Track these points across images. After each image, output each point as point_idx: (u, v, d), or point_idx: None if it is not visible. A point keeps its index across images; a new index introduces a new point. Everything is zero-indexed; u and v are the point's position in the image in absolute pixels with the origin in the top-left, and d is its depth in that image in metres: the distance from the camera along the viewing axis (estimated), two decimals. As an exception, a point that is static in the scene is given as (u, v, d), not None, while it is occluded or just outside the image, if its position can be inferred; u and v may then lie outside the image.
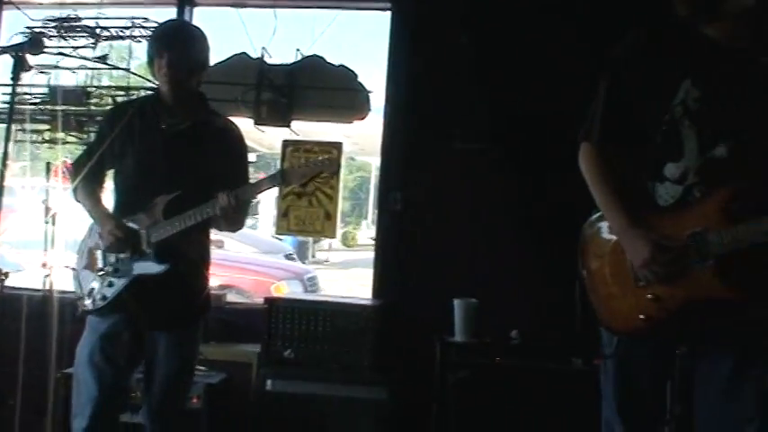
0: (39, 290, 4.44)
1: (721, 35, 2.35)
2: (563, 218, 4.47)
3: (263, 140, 6.78)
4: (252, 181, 3.35)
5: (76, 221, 3.97)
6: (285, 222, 5.07)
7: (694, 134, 2.35)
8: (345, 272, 14.33)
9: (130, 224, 3.25)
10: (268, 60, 5.21)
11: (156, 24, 4.96)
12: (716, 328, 2.34)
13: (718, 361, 2.38)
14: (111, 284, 3.26)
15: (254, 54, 5.21)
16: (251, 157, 4.16)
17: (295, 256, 12.02)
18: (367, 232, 20.88)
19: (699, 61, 2.36)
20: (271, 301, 4.43)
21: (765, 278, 2.03)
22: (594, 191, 2.51)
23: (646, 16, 2.45)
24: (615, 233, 2.44)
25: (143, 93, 4.91)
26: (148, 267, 3.22)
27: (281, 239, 11.51)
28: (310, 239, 14.76)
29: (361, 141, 10.27)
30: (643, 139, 2.43)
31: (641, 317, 2.38)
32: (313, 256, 16.43)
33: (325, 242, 17.08)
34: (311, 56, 5.21)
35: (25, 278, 5.16)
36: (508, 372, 4.20)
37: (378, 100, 5.09)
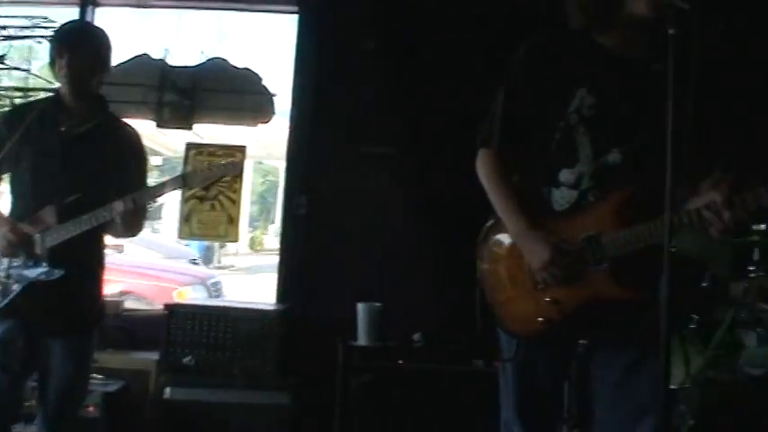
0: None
1: (615, 44, 2.41)
2: (466, 222, 4.56)
3: (169, 144, 6.67)
4: (153, 184, 3.29)
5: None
6: (188, 227, 4.99)
7: (589, 140, 2.39)
8: (252, 277, 14.18)
9: (25, 228, 3.15)
10: (171, 62, 5.13)
11: (57, 24, 4.82)
12: (612, 328, 2.39)
13: (613, 359, 2.43)
14: (4, 290, 3.15)
15: (157, 55, 5.12)
16: (156, 160, 4.09)
17: (199, 260, 11.83)
18: (275, 237, 20.72)
19: (593, 69, 2.41)
20: (171, 308, 4.36)
21: (658, 278, 2.08)
22: (492, 196, 2.53)
23: (544, 25, 2.49)
24: (513, 237, 2.46)
25: (43, 95, 4.76)
26: (42, 273, 3.12)
27: (186, 244, 11.33)
28: (216, 244, 14.57)
29: (270, 145, 10.19)
30: (539, 146, 2.47)
31: (540, 320, 2.41)
32: (219, 261, 16.22)
33: (231, 247, 16.89)
34: (215, 58, 5.15)
35: None
36: (411, 375, 4.23)
37: (285, 104, 5.06)
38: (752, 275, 3.56)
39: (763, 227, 3.65)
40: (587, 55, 2.43)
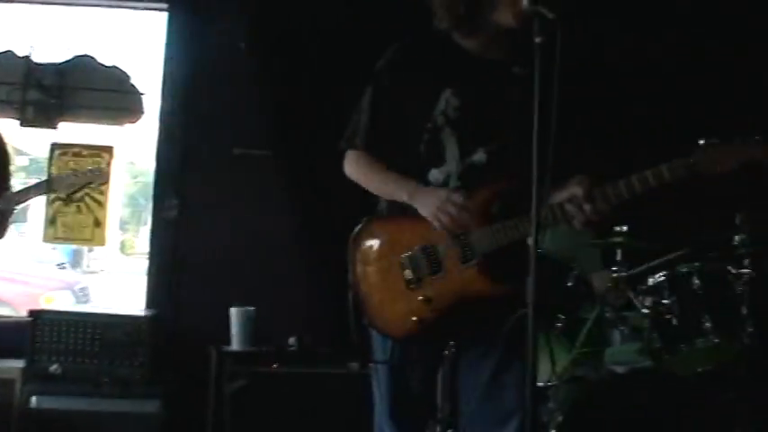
0: None
1: (479, 47, 2.48)
2: (339, 224, 4.57)
3: (36, 143, 6.40)
4: (19, 188, 3.16)
5: None
6: (52, 230, 4.81)
7: (455, 141, 2.45)
8: (123, 281, 13.81)
9: None
10: (36, 59, 4.92)
11: None
12: (482, 328, 2.44)
13: (482, 359, 2.48)
14: None
15: (22, 52, 4.91)
16: (22, 161, 3.93)
17: (67, 265, 11.44)
18: (146, 240, 20.20)
19: (458, 72, 2.47)
20: (35, 314, 4.20)
21: (526, 274, 2.13)
22: (370, 182, 2.56)
23: (411, 27, 2.52)
24: (407, 199, 2.46)
25: None
26: None
27: (54, 248, 10.93)
28: (85, 247, 14.13)
29: (143, 145, 9.95)
30: (408, 147, 2.50)
31: (414, 319, 2.43)
32: (88, 266, 15.72)
33: (101, 250, 16.40)
34: (82, 55, 4.97)
35: None
36: (285, 379, 4.20)
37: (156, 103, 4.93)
38: (615, 275, 3.69)
39: (625, 228, 3.78)
40: (452, 57, 2.49)
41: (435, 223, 2.40)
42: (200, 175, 4.77)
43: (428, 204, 2.40)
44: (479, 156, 2.45)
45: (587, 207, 2.29)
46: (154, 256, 4.85)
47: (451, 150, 2.45)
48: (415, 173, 2.49)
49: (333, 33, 4.76)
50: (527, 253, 2.09)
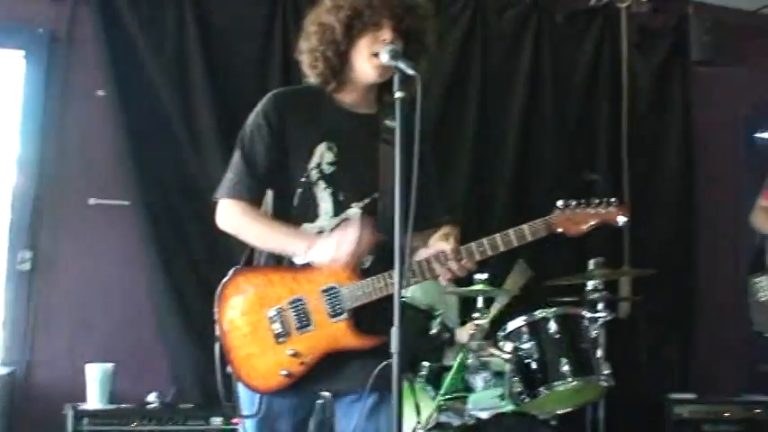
0: None
1: (351, 101, 2.53)
2: (203, 275, 4.51)
3: None
4: None
5: None
6: None
7: (329, 195, 2.46)
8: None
9: None
10: None
11: None
12: (350, 377, 2.44)
13: (351, 407, 2.48)
14: None
15: None
16: None
17: None
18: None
19: (332, 126, 2.50)
20: None
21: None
22: (252, 232, 2.51)
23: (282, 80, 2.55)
24: (297, 250, 2.42)
25: None
26: None
27: None
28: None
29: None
30: (281, 200, 2.50)
31: (282, 373, 2.42)
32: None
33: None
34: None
35: None
36: (145, 436, 4.06)
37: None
38: (477, 322, 3.76)
39: (485, 276, 3.87)
40: (326, 111, 2.52)
41: (341, 261, 2.38)
42: (55, 227, 4.59)
43: (329, 244, 2.37)
44: (353, 211, 2.47)
45: (454, 265, 2.36)
46: (8, 310, 4.62)
47: (325, 205, 2.47)
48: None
49: (192, 82, 4.73)
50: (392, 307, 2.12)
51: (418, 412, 2.79)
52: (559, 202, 2.42)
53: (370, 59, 2.41)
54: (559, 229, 2.41)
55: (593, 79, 5.49)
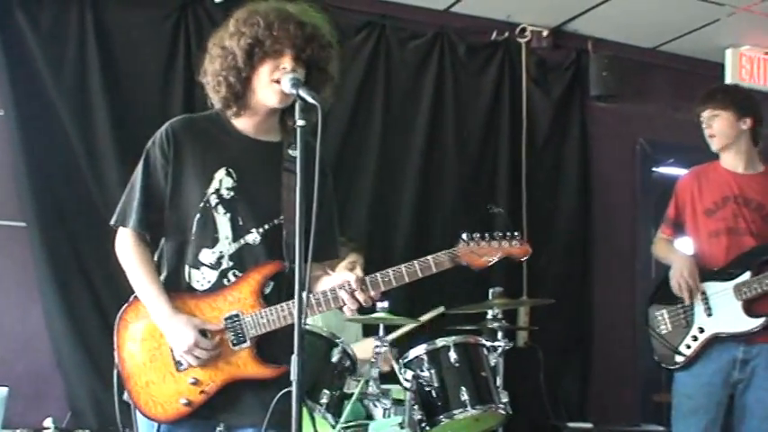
0: None
1: (252, 128, 2.51)
2: (102, 300, 4.39)
3: None
4: None
5: None
6: None
7: (228, 220, 2.44)
8: None
9: None
10: None
11: None
12: (251, 410, 2.40)
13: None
14: None
15: None
16: None
17: None
18: None
19: (232, 152, 2.49)
20: None
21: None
22: (133, 278, 2.48)
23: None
24: (157, 321, 2.42)
25: None
26: None
27: None
28: None
29: None
30: (180, 226, 2.47)
31: (182, 401, 2.39)
32: None
33: None
34: None
35: None
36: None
37: None
38: (378, 350, 3.76)
39: (386, 305, 3.88)
40: (226, 137, 2.51)
41: (183, 361, 2.40)
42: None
43: (179, 341, 2.38)
44: (253, 236, 2.45)
45: (360, 296, 2.37)
46: None
47: (224, 230, 2.45)
48: (187, 253, 2.46)
49: (92, 101, 4.64)
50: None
51: (317, 440, 2.77)
52: (464, 235, 2.47)
53: (271, 86, 2.41)
54: (464, 262, 2.46)
55: (494, 112, 5.60)
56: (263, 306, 2.40)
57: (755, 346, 3.67)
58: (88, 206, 4.52)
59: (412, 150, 5.32)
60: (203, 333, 2.38)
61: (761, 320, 3.63)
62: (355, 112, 5.23)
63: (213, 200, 2.44)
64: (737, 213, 3.77)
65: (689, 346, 3.77)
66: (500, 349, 4.12)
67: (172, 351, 2.41)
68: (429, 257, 2.43)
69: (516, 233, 2.53)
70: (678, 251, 3.91)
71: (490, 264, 2.49)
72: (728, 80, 5.93)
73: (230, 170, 2.46)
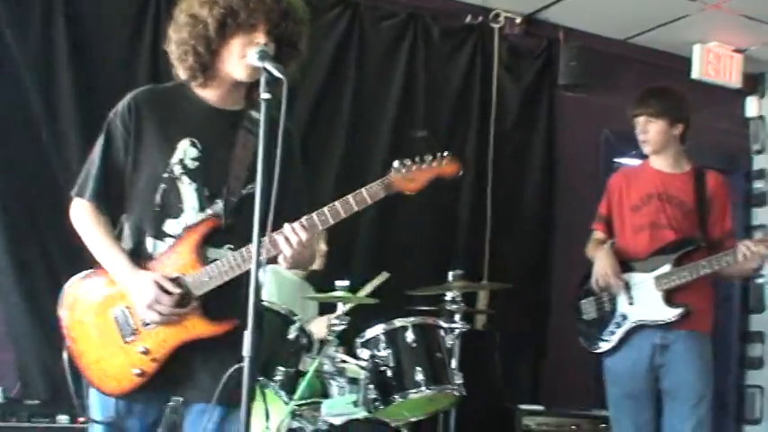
0: None
1: (216, 98, 2.51)
2: (55, 271, 4.33)
3: None
4: None
5: None
6: None
7: (194, 191, 2.44)
8: None
9: None
10: None
11: None
12: (203, 386, 2.40)
13: (203, 414, 2.43)
14: None
15: None
16: None
17: None
18: None
19: (196, 122, 2.48)
20: None
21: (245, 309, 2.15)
22: (91, 243, 2.47)
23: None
24: (118, 279, 2.42)
25: None
26: None
27: None
28: None
29: None
30: (144, 197, 2.46)
31: (135, 372, 2.39)
32: None
33: None
34: None
35: None
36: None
37: None
38: (335, 328, 3.79)
39: (347, 283, 3.92)
40: (189, 108, 2.50)
41: (147, 316, 2.38)
42: None
43: (143, 295, 2.37)
44: (218, 206, 2.45)
45: (294, 237, 2.35)
46: None
47: (190, 200, 2.44)
48: (151, 224, 2.45)
49: (57, 73, 4.57)
50: (243, 289, 2.16)
51: (267, 418, 2.78)
52: (395, 163, 2.46)
53: (242, 60, 2.39)
54: (398, 189, 2.44)
55: (465, 95, 5.62)
56: (203, 264, 2.39)
57: (673, 332, 3.87)
58: (47, 176, 4.44)
59: (381, 130, 5.33)
60: (164, 289, 2.36)
61: (680, 310, 3.84)
62: (325, 90, 5.21)
63: (177, 170, 2.43)
64: (660, 209, 3.98)
65: (613, 333, 3.98)
66: (457, 331, 4.18)
67: (118, 324, 2.41)
68: (362, 189, 2.41)
69: (445, 153, 2.51)
70: (603, 249, 4.06)
71: (424, 186, 2.47)
72: (695, 75, 6.03)
73: (194, 140, 2.45)
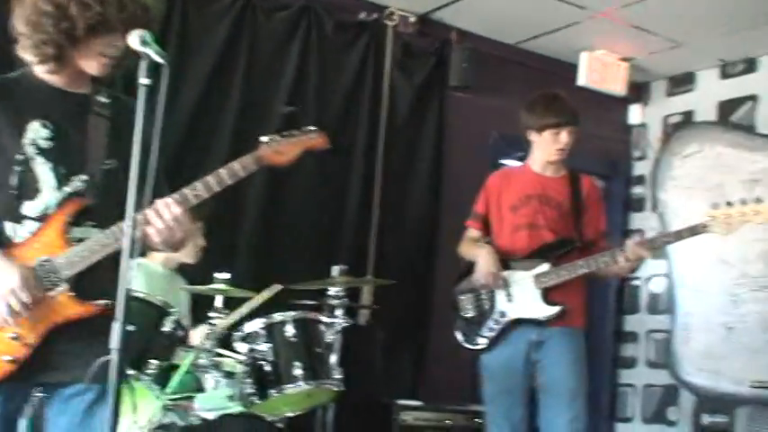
0: None
1: (65, 82, 2.51)
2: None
3: None
4: None
5: None
6: None
7: (49, 170, 2.41)
8: None
9: None
10: None
11: None
12: (74, 367, 2.36)
13: (69, 403, 2.41)
14: None
15: None
16: None
17: None
18: None
19: (44, 105, 2.47)
20: None
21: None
22: None
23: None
24: None
25: None
26: None
27: None
28: None
29: None
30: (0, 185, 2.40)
31: (6, 359, 2.32)
32: None
33: None
34: None
35: None
36: None
37: None
38: (213, 321, 3.75)
39: (227, 276, 3.87)
40: (38, 93, 2.49)
41: (6, 304, 2.32)
42: None
43: (3, 283, 2.31)
44: (76, 184, 2.43)
45: (166, 212, 2.35)
46: None
47: (46, 180, 2.41)
48: (8, 208, 2.39)
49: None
50: (113, 271, 2.17)
51: (135, 411, 2.73)
52: (264, 138, 2.54)
53: (98, 58, 2.43)
54: (268, 162, 2.53)
55: (356, 91, 5.62)
56: (71, 245, 2.37)
57: (548, 329, 3.97)
58: None
59: (270, 124, 5.27)
60: (31, 275, 2.33)
61: (557, 308, 3.95)
62: (214, 80, 5.12)
63: (31, 151, 2.40)
64: (539, 211, 4.08)
65: (491, 330, 4.05)
66: (338, 326, 4.19)
67: None
68: (233, 162, 2.47)
69: (312, 128, 2.63)
70: (483, 247, 4.13)
71: (293, 159, 2.57)
72: (581, 82, 6.18)
73: (45, 122, 2.43)
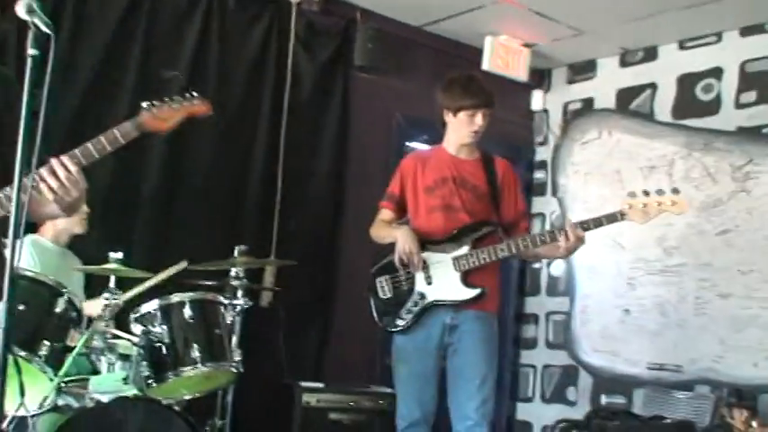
0: None
1: None
2: None
3: None
4: None
5: None
6: None
7: None
8: None
9: None
10: None
11: None
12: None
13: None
14: None
15: None
16: None
17: None
18: None
19: None
20: None
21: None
22: None
23: None
24: None
25: None
26: None
27: None
28: None
29: None
30: None
31: None
32: None
33: None
34: None
35: None
36: None
37: None
38: (107, 302, 3.63)
39: (120, 255, 3.76)
40: None
41: None
42: None
43: None
44: None
45: (61, 170, 2.33)
46: None
47: None
48: None
49: None
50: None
51: (22, 393, 2.63)
52: (144, 104, 2.51)
53: None
54: (149, 128, 2.50)
55: (259, 68, 5.51)
56: None
57: (462, 312, 3.96)
58: None
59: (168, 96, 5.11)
60: None
61: (476, 291, 3.93)
62: (112, 50, 4.93)
63: None
64: (454, 192, 4.06)
65: (410, 312, 3.99)
66: (239, 308, 4.13)
67: None
68: (113, 129, 2.44)
69: (194, 93, 2.60)
70: (399, 227, 4.10)
71: (174, 125, 2.55)
72: (485, 66, 6.20)
73: None
